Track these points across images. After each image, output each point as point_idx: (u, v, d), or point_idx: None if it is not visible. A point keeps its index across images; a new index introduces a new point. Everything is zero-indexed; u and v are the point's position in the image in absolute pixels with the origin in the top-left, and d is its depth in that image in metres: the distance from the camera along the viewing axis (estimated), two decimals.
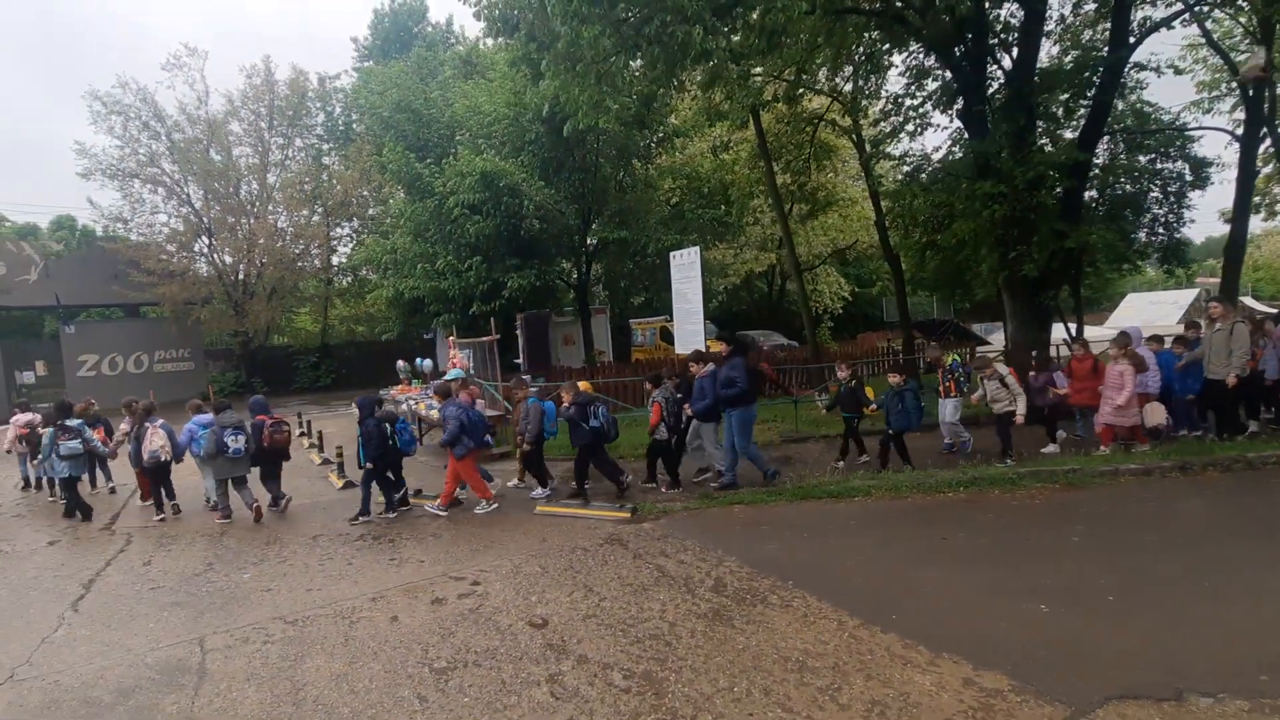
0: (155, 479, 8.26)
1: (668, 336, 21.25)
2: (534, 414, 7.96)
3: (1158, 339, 8.76)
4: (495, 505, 7.52)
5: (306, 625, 4.71)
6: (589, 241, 18.86)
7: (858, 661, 3.70)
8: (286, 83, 24.48)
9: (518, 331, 18.74)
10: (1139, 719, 3.05)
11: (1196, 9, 11.41)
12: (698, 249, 13.72)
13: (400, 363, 17.05)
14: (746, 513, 6.77)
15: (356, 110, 26.32)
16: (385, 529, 7.08)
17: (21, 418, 10.40)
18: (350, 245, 29.47)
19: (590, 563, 5.59)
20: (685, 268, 13.84)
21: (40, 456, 9.26)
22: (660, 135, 17.72)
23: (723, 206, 17.89)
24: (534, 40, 8.32)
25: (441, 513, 7.46)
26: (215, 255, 23.87)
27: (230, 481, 7.98)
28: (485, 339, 12.49)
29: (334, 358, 27.42)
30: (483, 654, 4.07)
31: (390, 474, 7.73)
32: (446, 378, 8.76)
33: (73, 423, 8.63)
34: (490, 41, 25.94)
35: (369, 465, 7.47)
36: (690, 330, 12.87)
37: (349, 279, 29.84)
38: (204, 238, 23.53)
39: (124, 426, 9.19)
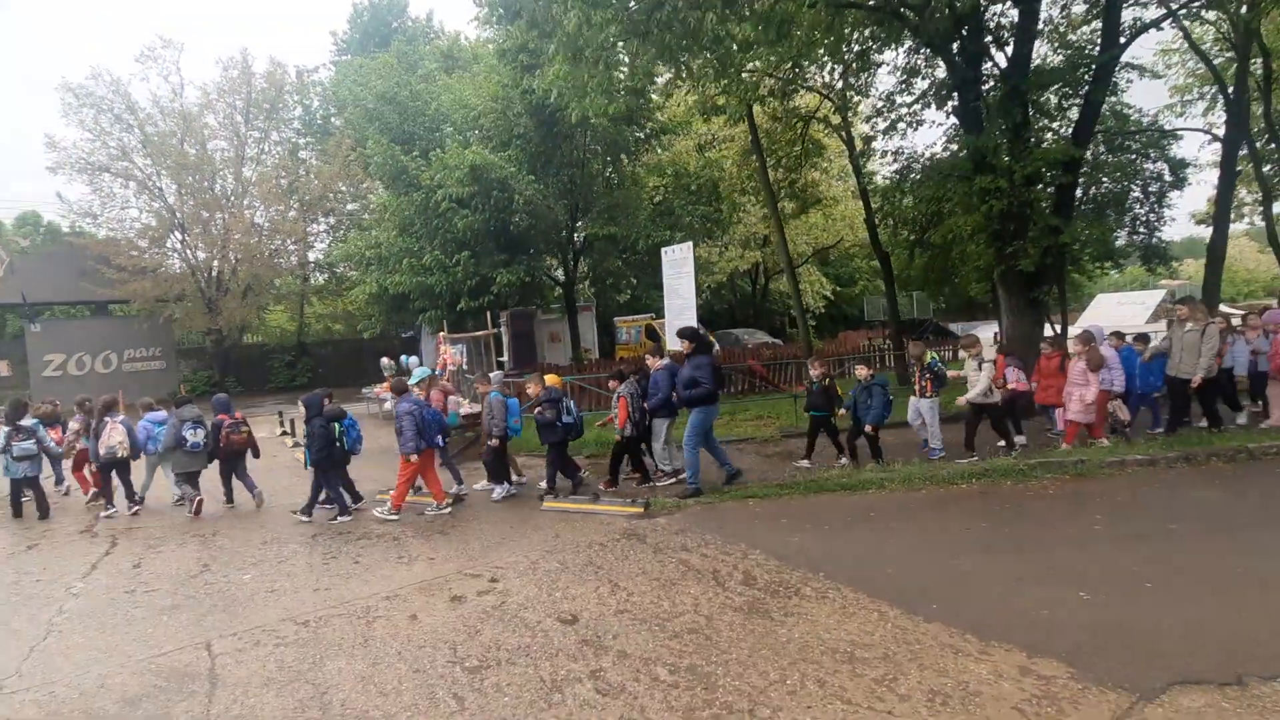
0: (109, 474, 8.16)
1: (652, 334, 21.17)
2: (498, 409, 7.68)
3: (1118, 335, 8.91)
4: (396, 518, 7.10)
5: (320, 626, 4.47)
6: (576, 237, 18.68)
7: (908, 652, 3.61)
8: (263, 75, 23.86)
9: (502, 328, 18.49)
10: (1204, 704, 3.00)
11: (1186, 9, 11.64)
12: (690, 244, 13.65)
13: (385, 360, 16.67)
14: (762, 506, 6.68)
15: (336, 104, 25.73)
16: (389, 527, 6.83)
17: None
18: (327, 242, 28.88)
19: (610, 558, 5.43)
20: (678, 263, 13.75)
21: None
22: (648, 131, 17.61)
23: (711, 204, 17.84)
24: (536, 27, 8.15)
25: (445, 510, 7.24)
26: (188, 251, 23.14)
27: (185, 477, 7.89)
28: (480, 334, 12.24)
29: (311, 356, 26.78)
30: (515, 652, 3.89)
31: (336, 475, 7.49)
32: (412, 378, 8.54)
33: (27, 422, 8.39)
34: (473, 35, 25.61)
35: (313, 467, 7.26)
36: (683, 325, 12.77)
37: (325, 276, 29.22)
38: (177, 233, 22.79)
39: (74, 425, 8.96)
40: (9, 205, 37.93)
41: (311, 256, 27.35)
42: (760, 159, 13.42)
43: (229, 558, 6.15)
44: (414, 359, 16.46)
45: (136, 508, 8.16)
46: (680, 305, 13.41)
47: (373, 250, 16.73)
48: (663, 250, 14.05)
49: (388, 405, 14.32)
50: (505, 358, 18.07)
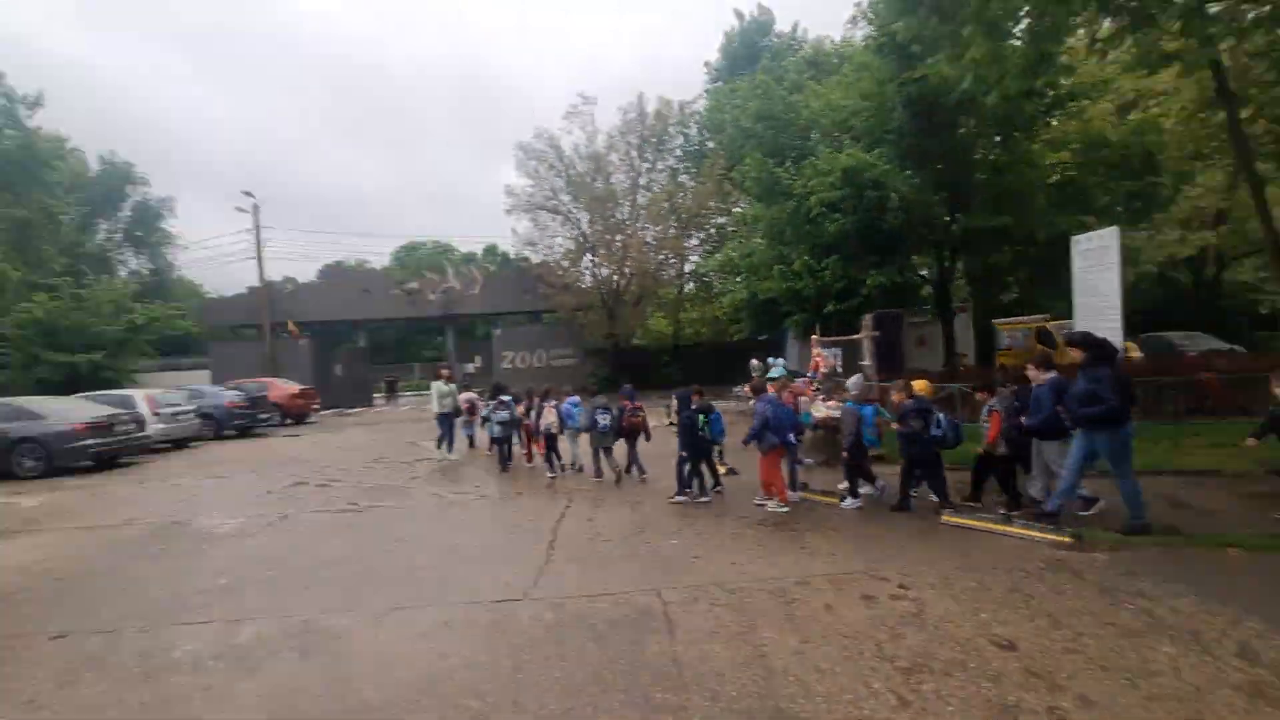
0: (549, 446, 10.54)
1: (1046, 338, 18.13)
2: (848, 419, 7.64)
3: None
4: (786, 509, 7.45)
5: (744, 596, 5.00)
6: (954, 232, 17.13)
7: None
8: (653, 113, 27.69)
9: (863, 332, 17.99)
10: None
11: None
12: (1115, 230, 11.35)
13: (754, 361, 17.78)
14: (1250, 561, 5.19)
15: (710, 128, 28.41)
16: (784, 518, 7.27)
17: (465, 396, 14.00)
18: (697, 255, 32.14)
19: (1041, 588, 4.85)
20: (1095, 254, 11.56)
21: (483, 416, 12.26)
22: (1049, 101, 15.12)
23: (1141, 178, 14.48)
24: (937, 12, 7.73)
25: (781, 508, 7.54)
26: (596, 269, 28.19)
27: (600, 451, 9.87)
28: (856, 337, 12.17)
29: (684, 357, 30.02)
30: (949, 664, 3.77)
31: (704, 462, 8.37)
32: (769, 375, 8.88)
33: (506, 398, 11.51)
34: (838, 37, 25.54)
35: (682, 453, 8.27)
36: (1105, 329, 10.63)
37: (696, 285, 32.52)
38: (588, 255, 27.98)
39: (520, 408, 11.61)
40: (476, 240, 51.51)
41: (685, 268, 30.71)
42: (1229, 108, 10.36)
43: (656, 525, 7.29)
44: (779, 360, 17.19)
45: (565, 472, 10.51)
46: (1099, 305, 11.24)
47: (745, 259, 17.96)
48: (1073, 240, 11.97)
49: (752, 403, 15.31)
50: (868, 362, 17.59)
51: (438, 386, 13.26)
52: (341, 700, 3.81)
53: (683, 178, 30.36)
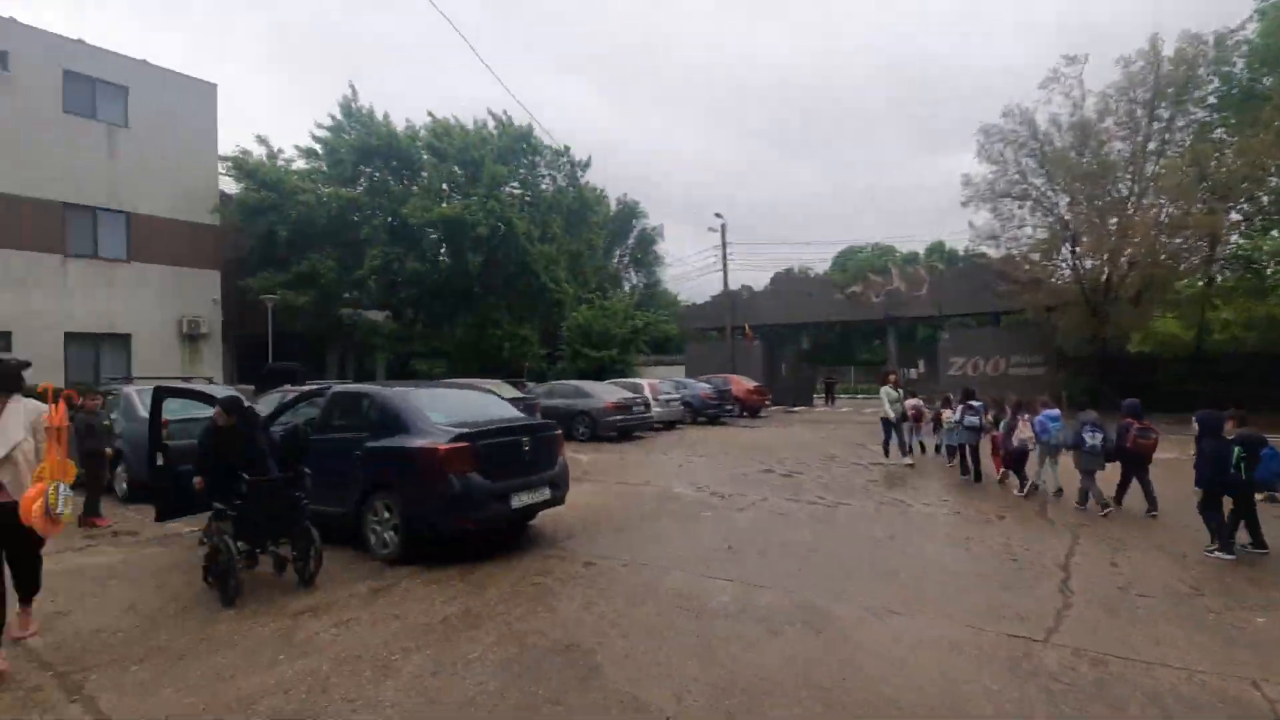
0: (1019, 462, 9.66)
1: None
2: None
3: None
4: None
5: None
6: None
7: None
8: (1171, 57, 21.58)
9: None
10: None
11: None
12: None
13: None
14: None
15: (1266, 60, 20.75)
16: None
17: (911, 402, 13.47)
18: (1239, 234, 23.85)
19: None
20: None
21: (952, 421, 11.45)
22: None
23: None
24: None
25: None
26: (1077, 261, 23.52)
27: (1086, 474, 8.44)
28: None
29: (1211, 369, 22.68)
30: None
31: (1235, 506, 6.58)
32: None
33: (975, 403, 10.91)
34: None
35: (1205, 492, 6.70)
36: None
37: (1232, 274, 24.27)
38: (1067, 244, 23.52)
39: (986, 418, 10.79)
40: (919, 240, 48.64)
41: (1219, 252, 23.13)
42: None
43: (1217, 587, 5.57)
44: None
45: (1035, 495, 9.33)
46: None
47: None
48: None
49: None
50: None
51: (886, 391, 13.11)
52: (859, 684, 3.94)
53: (1218, 132, 22.90)
